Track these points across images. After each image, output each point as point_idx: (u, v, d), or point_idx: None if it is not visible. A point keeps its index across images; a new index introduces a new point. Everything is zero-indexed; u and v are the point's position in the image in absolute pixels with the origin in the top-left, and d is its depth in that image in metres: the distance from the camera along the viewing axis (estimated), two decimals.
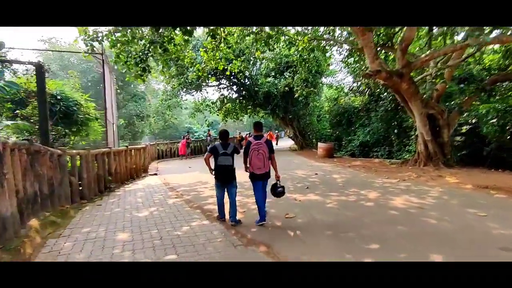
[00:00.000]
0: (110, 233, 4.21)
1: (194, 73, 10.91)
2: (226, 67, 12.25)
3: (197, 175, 10.02)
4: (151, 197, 6.69)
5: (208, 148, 4.73)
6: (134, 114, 23.84)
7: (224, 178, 4.46)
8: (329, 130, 21.45)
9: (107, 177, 7.53)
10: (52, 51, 21.13)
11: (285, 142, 29.85)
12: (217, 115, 23.79)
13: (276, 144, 28.16)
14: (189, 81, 16.66)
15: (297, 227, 4.34)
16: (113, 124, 12.15)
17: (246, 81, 21.76)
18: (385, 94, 14.99)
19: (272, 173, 4.44)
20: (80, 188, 6.35)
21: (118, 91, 26.66)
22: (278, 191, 4.44)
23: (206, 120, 22.19)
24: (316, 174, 9.38)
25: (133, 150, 9.58)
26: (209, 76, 12.93)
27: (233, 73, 20.37)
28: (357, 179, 8.27)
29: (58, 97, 6.47)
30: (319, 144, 15.96)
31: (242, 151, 4.60)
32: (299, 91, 15.68)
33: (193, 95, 22.51)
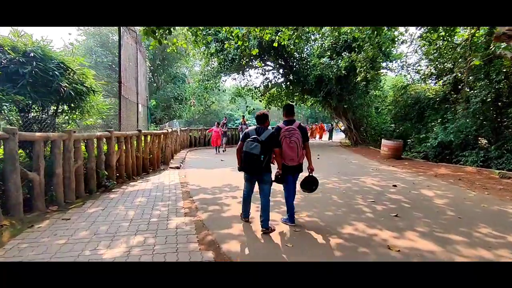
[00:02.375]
0: None
1: (233, 41, 8.40)
2: (273, 37, 9.66)
3: (228, 174, 7.70)
4: (150, 209, 4.46)
5: (241, 135, 3.84)
6: (172, 97, 22.36)
7: (250, 169, 3.62)
8: (391, 125, 17.70)
9: (103, 172, 5.50)
10: None
11: (334, 136, 26.38)
12: (260, 101, 21.34)
13: (329, 138, 24.83)
14: (230, 58, 14.33)
15: None
16: (138, 104, 10.28)
17: (295, 63, 18.88)
18: (484, 80, 11.10)
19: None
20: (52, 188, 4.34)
21: (161, 71, 25.52)
22: (308, 183, 3.94)
23: (247, 107, 19.77)
24: (395, 186, 6.44)
25: (148, 136, 7.52)
26: (252, 48, 10.39)
27: (280, 52, 17.75)
28: (470, 203, 5.20)
29: (31, 55, 4.48)
30: (384, 142, 12.69)
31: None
32: (362, 74, 12.41)
33: (234, 79, 20.33)
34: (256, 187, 3.81)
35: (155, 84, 25.67)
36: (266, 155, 3.50)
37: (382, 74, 16.98)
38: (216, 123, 14.14)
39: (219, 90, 17.16)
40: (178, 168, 8.45)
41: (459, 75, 12.66)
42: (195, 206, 4.73)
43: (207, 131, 14.03)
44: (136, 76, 11.06)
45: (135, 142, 6.97)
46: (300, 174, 3.89)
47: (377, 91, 19.06)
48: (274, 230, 3.68)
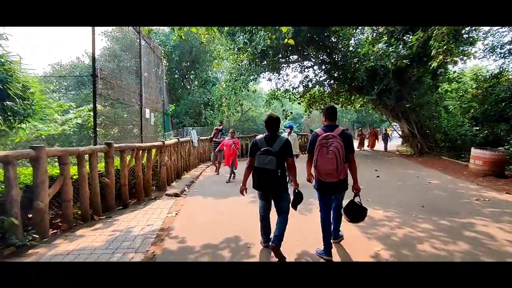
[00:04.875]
0: None
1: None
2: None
3: (244, 208, 5.01)
4: None
5: (249, 148, 3.14)
6: (202, 102, 20.44)
7: (264, 187, 2.99)
8: (475, 129, 13.32)
9: (10, 220, 3.15)
10: None
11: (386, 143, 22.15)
12: (299, 103, 18.37)
13: (385, 149, 18.11)
14: (259, 50, 11.72)
15: None
16: (141, 108, 8.17)
17: (340, 57, 15.69)
18: None
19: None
20: None
21: (192, 75, 23.90)
22: (354, 212, 3.08)
23: (283, 111, 16.93)
24: None
25: (126, 153, 5.09)
26: (286, 36, 7.51)
27: (322, 43, 14.72)
28: None
29: None
30: (476, 152, 8.96)
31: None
32: (439, 57, 8.87)
33: (270, 79, 17.74)
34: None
35: (187, 90, 24.21)
36: (282, 169, 3.01)
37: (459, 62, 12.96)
38: (215, 129, 9.33)
39: (248, 90, 14.59)
40: (177, 196, 5.93)
41: None
42: None
43: (216, 149, 8.71)
44: (140, 75, 9.02)
45: (101, 162, 4.62)
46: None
47: (449, 85, 14.91)
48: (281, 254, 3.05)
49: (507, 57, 11.91)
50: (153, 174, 6.27)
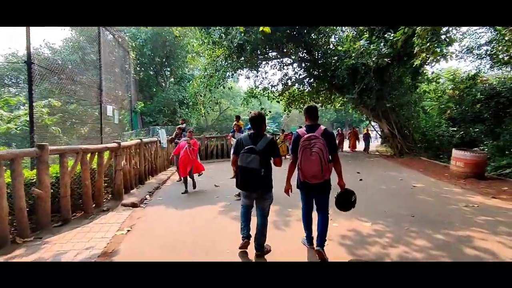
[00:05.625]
0: None
1: None
2: None
3: (212, 219, 4.27)
4: None
5: (233, 145, 3.47)
6: (176, 100, 19.36)
7: (248, 187, 2.93)
8: (452, 129, 13.27)
9: None
10: None
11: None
12: (278, 102, 17.77)
13: (366, 150, 17.45)
14: (235, 44, 10.98)
15: None
16: (101, 104, 7.22)
17: (320, 54, 15.25)
18: None
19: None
20: None
21: (167, 72, 22.74)
22: (344, 201, 3.16)
23: (261, 109, 16.28)
24: None
25: (68, 158, 4.20)
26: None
27: (303, 38, 14.23)
28: None
29: None
30: (457, 153, 8.72)
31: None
32: (422, 55, 8.56)
33: (248, 77, 17.06)
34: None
35: (162, 87, 22.97)
36: (266, 168, 2.91)
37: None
38: (188, 132, 6.95)
39: (224, 87, 13.80)
40: (134, 206, 5.08)
41: None
42: None
43: (173, 152, 7.43)
44: (99, 66, 8.02)
45: (32, 170, 3.71)
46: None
47: (428, 85, 14.90)
48: (270, 250, 3.17)
49: (484, 58, 11.91)
50: (108, 181, 5.39)
